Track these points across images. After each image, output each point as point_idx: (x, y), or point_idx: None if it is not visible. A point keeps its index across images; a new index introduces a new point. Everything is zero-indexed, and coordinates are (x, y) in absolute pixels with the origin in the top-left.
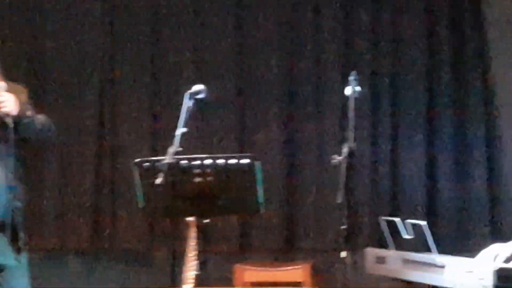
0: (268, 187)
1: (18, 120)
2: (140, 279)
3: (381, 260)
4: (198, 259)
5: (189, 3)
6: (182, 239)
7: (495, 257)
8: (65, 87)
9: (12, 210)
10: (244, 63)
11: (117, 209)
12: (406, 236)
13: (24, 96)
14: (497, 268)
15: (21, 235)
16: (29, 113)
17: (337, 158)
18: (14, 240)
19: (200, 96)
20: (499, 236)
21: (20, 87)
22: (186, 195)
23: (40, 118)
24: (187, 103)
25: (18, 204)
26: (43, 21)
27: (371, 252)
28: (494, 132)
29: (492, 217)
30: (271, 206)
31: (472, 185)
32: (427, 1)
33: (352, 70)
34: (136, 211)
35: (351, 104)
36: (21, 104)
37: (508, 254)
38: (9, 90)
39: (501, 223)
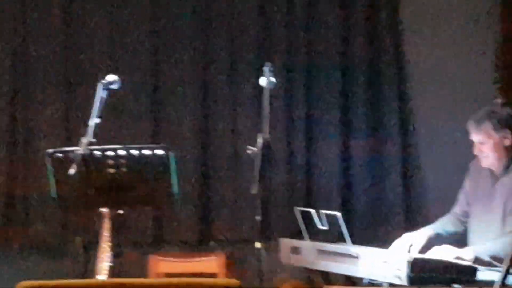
0: (182, 177)
1: None
2: (53, 270)
3: (295, 250)
4: (112, 250)
5: None
6: (96, 230)
7: (409, 247)
8: None
9: None
10: (159, 53)
11: (29, 199)
12: (321, 227)
13: None
14: (411, 258)
15: None
16: None
17: (251, 149)
18: None
19: (114, 86)
20: (413, 227)
21: None
22: (100, 186)
23: None
24: (100, 94)
25: None
26: None
27: (286, 242)
28: (409, 124)
29: (407, 207)
30: (186, 197)
31: (386, 176)
32: None
33: (267, 61)
34: (49, 201)
35: (266, 95)
36: None
37: (422, 244)
38: None
39: (415, 214)
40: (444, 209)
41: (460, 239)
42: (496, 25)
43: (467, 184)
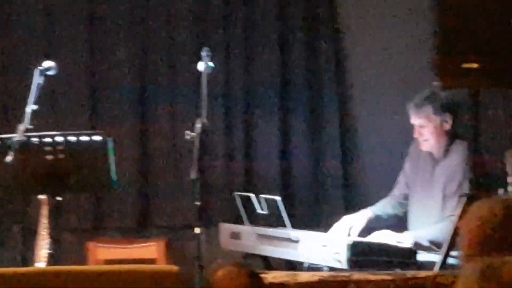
0: (121, 163)
1: None
2: None
3: (235, 235)
4: (51, 237)
5: None
6: (34, 217)
7: (349, 229)
8: None
9: None
10: (96, 39)
11: None
12: (260, 211)
13: None
14: (350, 241)
15: None
16: None
17: (190, 134)
18: None
19: (51, 72)
20: (353, 210)
21: None
22: (38, 172)
23: None
24: (37, 80)
25: None
26: None
27: (226, 227)
28: (348, 110)
29: (346, 191)
30: (125, 183)
31: (325, 160)
32: None
33: (205, 45)
34: None
35: (204, 80)
36: None
37: (361, 226)
38: None
39: (355, 197)
40: (383, 192)
41: (399, 223)
42: (432, 11)
43: (407, 167)
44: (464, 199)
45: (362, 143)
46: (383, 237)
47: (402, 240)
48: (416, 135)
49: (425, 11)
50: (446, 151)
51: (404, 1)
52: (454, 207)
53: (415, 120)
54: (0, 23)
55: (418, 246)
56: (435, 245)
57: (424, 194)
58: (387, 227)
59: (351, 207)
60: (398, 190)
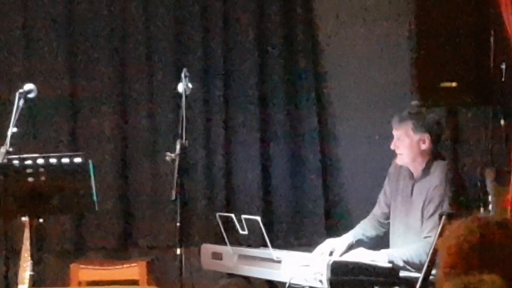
0: (102, 185)
1: None
2: None
3: (217, 256)
4: (33, 259)
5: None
6: (16, 239)
7: (331, 252)
8: None
9: None
10: (76, 60)
11: None
12: (241, 232)
13: None
14: (331, 261)
15: None
16: None
17: (170, 155)
18: None
19: (31, 95)
20: (333, 231)
21: None
22: (19, 195)
23: None
24: (18, 103)
25: None
26: None
27: (207, 248)
28: (328, 129)
29: (327, 213)
30: (106, 204)
31: (307, 181)
32: None
33: (184, 66)
34: None
35: (183, 101)
36: None
37: (343, 249)
38: None
39: (335, 216)
40: (364, 212)
41: (381, 242)
42: (412, 28)
43: (387, 187)
44: (444, 218)
45: (342, 162)
46: (358, 255)
47: (376, 258)
48: (392, 146)
49: (404, 29)
50: (426, 171)
51: (383, 18)
52: (431, 229)
53: (395, 131)
54: None
55: (393, 265)
56: (409, 265)
57: (404, 214)
58: (369, 248)
59: (332, 227)
60: (378, 209)
